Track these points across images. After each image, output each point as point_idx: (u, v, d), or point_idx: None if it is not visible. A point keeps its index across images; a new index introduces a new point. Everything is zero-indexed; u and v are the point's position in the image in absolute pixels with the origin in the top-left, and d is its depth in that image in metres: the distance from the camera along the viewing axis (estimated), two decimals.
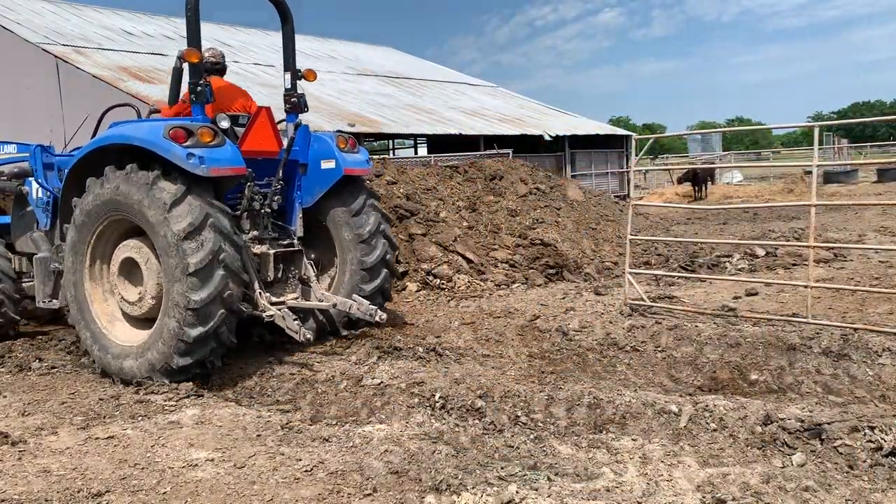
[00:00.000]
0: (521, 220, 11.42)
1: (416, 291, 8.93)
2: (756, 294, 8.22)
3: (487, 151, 19.41)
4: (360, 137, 17.53)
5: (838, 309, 7.20)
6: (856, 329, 5.89)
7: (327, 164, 6.55)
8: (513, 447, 4.18)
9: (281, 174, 6.34)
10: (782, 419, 4.17)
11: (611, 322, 6.86)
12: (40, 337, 7.51)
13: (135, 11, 27.03)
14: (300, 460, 3.89)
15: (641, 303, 7.39)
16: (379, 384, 5.33)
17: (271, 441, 4.25)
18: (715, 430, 4.25)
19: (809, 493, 3.41)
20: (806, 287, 6.75)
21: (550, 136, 24.45)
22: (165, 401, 5.14)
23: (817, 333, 5.80)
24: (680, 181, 28.26)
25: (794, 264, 10.13)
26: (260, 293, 5.95)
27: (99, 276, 5.97)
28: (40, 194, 6.77)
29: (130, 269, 5.78)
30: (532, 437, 4.35)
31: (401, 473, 3.69)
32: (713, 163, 31.69)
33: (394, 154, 31.24)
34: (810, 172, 7.99)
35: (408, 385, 5.22)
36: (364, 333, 6.85)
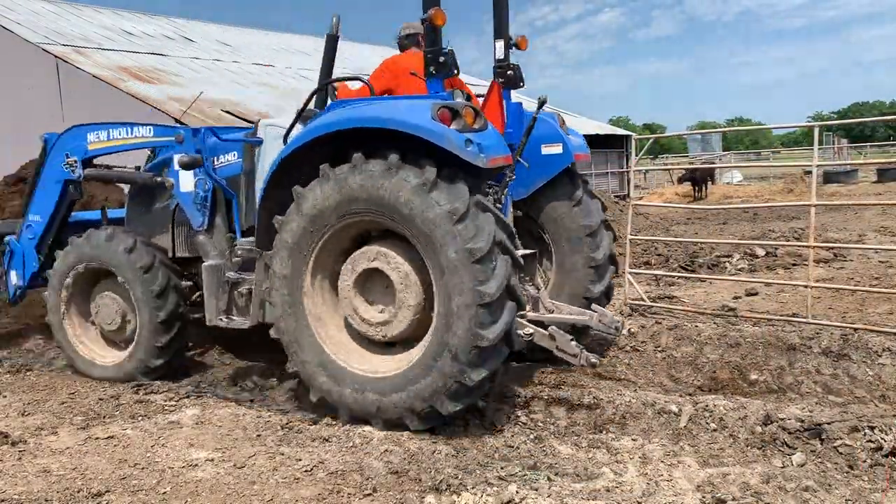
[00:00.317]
0: None
1: None
2: (756, 294, 8.22)
3: None
4: None
5: (838, 309, 7.19)
6: (856, 329, 5.89)
7: (551, 149, 5.42)
8: (513, 447, 4.18)
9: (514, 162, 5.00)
10: (782, 419, 4.17)
11: None
12: (40, 337, 7.50)
13: (135, 11, 27.04)
14: (300, 460, 3.89)
15: (641, 303, 7.39)
16: None
17: (271, 441, 4.25)
18: (715, 430, 4.25)
19: (809, 493, 3.41)
20: (806, 287, 6.75)
21: None
22: (165, 401, 5.14)
23: (817, 333, 5.79)
24: (680, 181, 28.36)
25: (794, 264, 10.13)
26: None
27: (319, 291, 4.63)
28: (195, 187, 5.50)
29: (366, 284, 4.49)
30: (532, 437, 4.35)
31: (401, 473, 3.69)
32: (713, 163, 31.69)
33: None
34: (810, 172, 8.00)
35: None
36: None
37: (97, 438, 4.37)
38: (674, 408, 4.52)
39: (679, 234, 14.25)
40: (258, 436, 4.34)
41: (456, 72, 4.78)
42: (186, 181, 5.55)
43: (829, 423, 4.06)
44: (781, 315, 6.81)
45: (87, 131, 6.00)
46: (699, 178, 26.28)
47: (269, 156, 5.04)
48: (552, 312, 5.24)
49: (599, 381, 5.42)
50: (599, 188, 22.32)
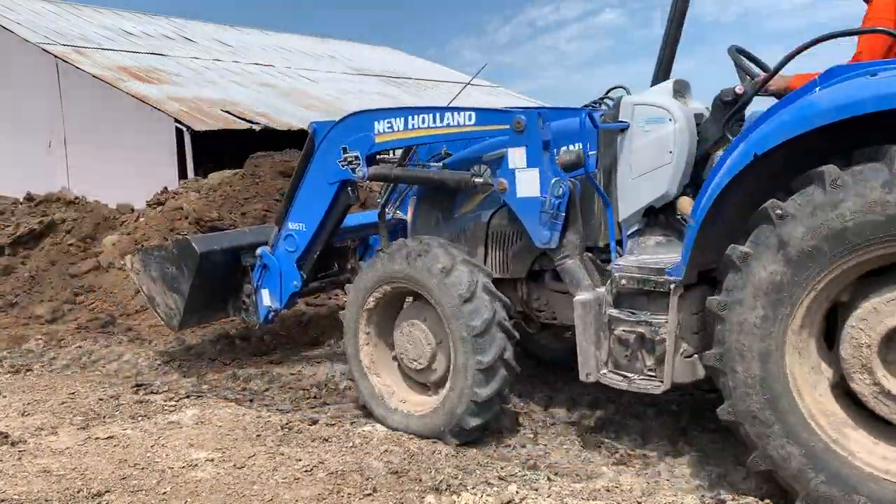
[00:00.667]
0: None
1: None
2: None
3: None
4: None
5: None
6: None
7: None
8: (513, 447, 4.19)
9: None
10: None
11: None
12: (40, 338, 7.51)
13: (135, 11, 27.06)
14: (300, 460, 3.89)
15: None
16: None
17: (271, 441, 4.24)
18: (715, 429, 4.25)
19: None
20: None
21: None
22: (165, 401, 5.14)
23: None
24: None
25: None
26: None
27: (806, 354, 3.14)
28: (542, 191, 4.00)
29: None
30: (532, 437, 4.35)
31: (401, 473, 3.69)
32: None
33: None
34: None
35: None
36: None
37: (97, 438, 4.36)
38: (674, 407, 4.52)
39: None
40: (258, 436, 4.34)
41: None
42: (528, 183, 4.05)
43: None
44: None
45: (372, 119, 4.67)
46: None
47: (638, 145, 3.90)
48: None
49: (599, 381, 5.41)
50: None
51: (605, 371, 3.82)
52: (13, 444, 4.27)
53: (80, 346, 6.93)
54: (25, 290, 9.00)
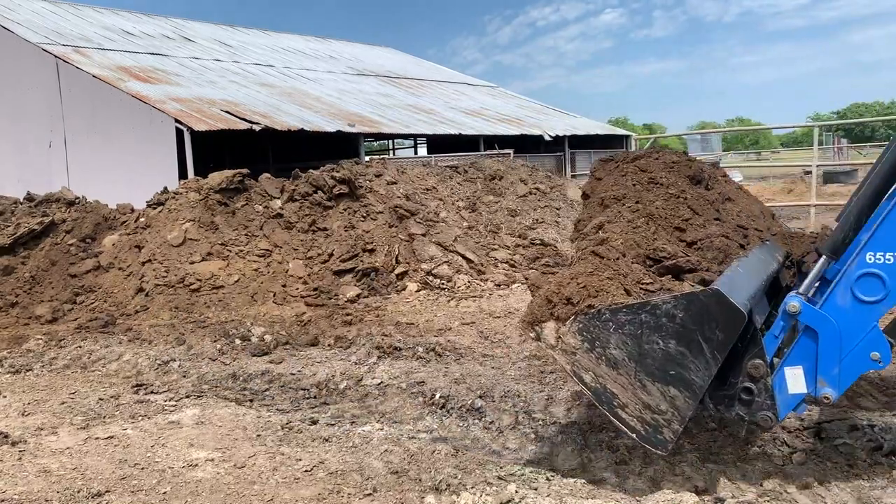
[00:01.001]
0: (521, 220, 11.43)
1: (416, 291, 8.93)
2: None
3: (488, 151, 19.42)
4: (359, 137, 17.55)
5: None
6: None
7: None
8: (513, 447, 4.19)
9: None
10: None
11: None
12: (40, 338, 7.51)
13: (135, 11, 27.06)
14: (300, 460, 3.89)
15: None
16: (379, 384, 5.34)
17: (271, 441, 4.25)
18: (714, 429, 4.25)
19: (809, 491, 3.41)
20: None
21: (550, 137, 24.45)
22: (165, 401, 5.14)
23: None
24: None
25: None
26: None
27: None
28: None
29: None
30: (532, 436, 4.36)
31: (401, 473, 3.69)
32: (713, 163, 32.22)
33: (394, 154, 31.26)
34: (810, 172, 7.99)
35: (408, 385, 5.22)
36: (364, 333, 6.85)
37: (97, 438, 4.36)
38: None
39: None
40: (258, 436, 4.34)
41: None
42: None
43: (828, 422, 4.06)
44: None
45: None
46: None
47: None
48: None
49: None
50: None
51: None
52: (13, 444, 4.27)
53: (80, 346, 6.94)
54: (25, 290, 9.00)
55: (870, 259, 3.21)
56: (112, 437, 4.39)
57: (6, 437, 4.33)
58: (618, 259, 3.44)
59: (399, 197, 10.67)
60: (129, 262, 9.24)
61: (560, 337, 3.30)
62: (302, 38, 30.92)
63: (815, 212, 11.49)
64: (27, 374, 6.19)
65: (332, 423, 4.55)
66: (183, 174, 12.96)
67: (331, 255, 9.43)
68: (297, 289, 8.72)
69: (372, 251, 9.54)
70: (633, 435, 3.21)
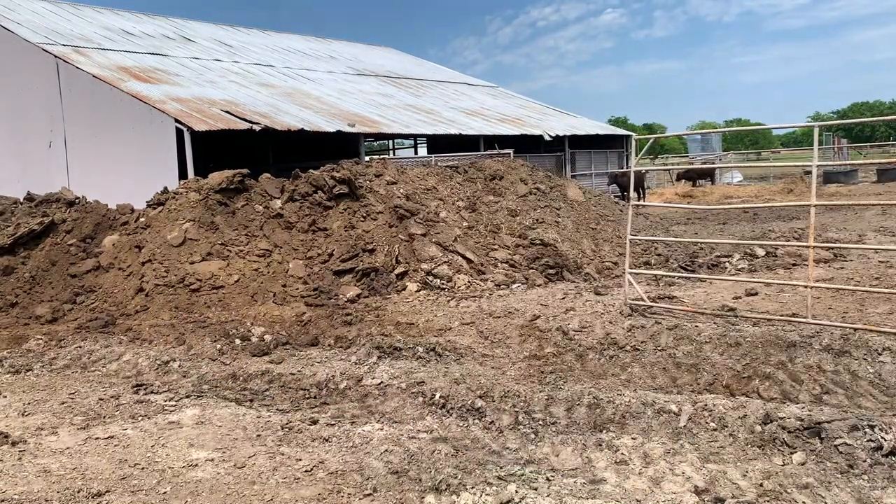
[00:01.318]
0: (521, 220, 11.42)
1: (416, 291, 8.93)
2: (756, 294, 8.21)
3: (489, 151, 19.42)
4: (360, 137, 17.54)
5: (838, 309, 7.19)
6: (855, 329, 5.89)
7: None
8: (513, 447, 4.18)
9: None
10: (782, 418, 4.17)
11: (611, 322, 6.86)
12: (40, 338, 7.50)
13: (135, 11, 27.04)
14: (300, 460, 3.89)
15: (641, 303, 7.39)
16: (379, 384, 5.33)
17: (271, 441, 4.24)
18: (715, 429, 4.25)
19: (809, 492, 3.41)
20: (806, 287, 6.74)
21: (550, 137, 24.46)
22: (165, 401, 5.13)
23: (817, 333, 5.80)
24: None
25: (794, 264, 10.13)
26: None
27: None
28: None
29: None
30: (532, 436, 4.35)
31: (401, 473, 3.69)
32: (713, 163, 32.67)
33: (394, 154, 31.27)
34: (810, 172, 7.98)
35: (408, 385, 5.22)
36: (364, 333, 6.84)
37: (97, 438, 4.36)
38: (673, 407, 4.52)
39: (679, 234, 14.25)
40: (258, 436, 4.34)
41: None
42: None
43: (828, 422, 4.06)
44: (781, 315, 6.81)
45: None
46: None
47: None
48: None
49: (599, 381, 5.42)
50: (599, 188, 22.35)
51: None
52: (13, 444, 4.27)
53: (80, 346, 6.94)
54: (25, 290, 9.00)
55: None
56: (112, 437, 4.38)
57: (6, 437, 4.33)
58: None
59: (399, 197, 10.67)
60: (129, 262, 9.24)
61: None
62: (302, 38, 30.92)
63: (816, 212, 11.48)
64: (27, 374, 6.19)
65: (332, 423, 4.55)
66: (183, 174, 12.96)
67: (331, 255, 9.43)
68: (297, 289, 8.72)
69: (372, 251, 9.54)
70: None
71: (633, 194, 9.41)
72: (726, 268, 10.21)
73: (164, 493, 3.58)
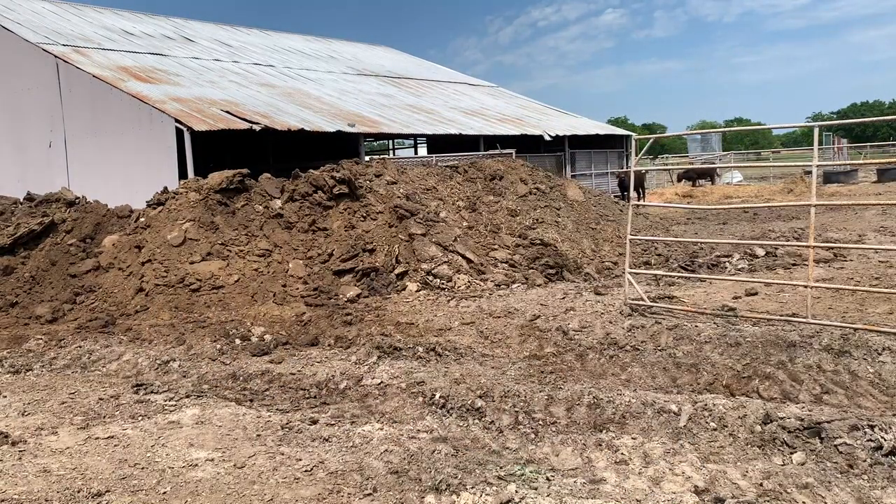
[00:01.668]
0: (521, 220, 11.42)
1: (416, 291, 8.93)
2: (756, 294, 8.21)
3: (490, 151, 19.42)
4: (360, 137, 17.54)
5: (838, 309, 7.19)
6: (855, 329, 5.89)
7: None
8: (513, 447, 4.18)
9: None
10: (782, 418, 4.17)
11: (611, 322, 6.86)
12: (40, 338, 7.50)
13: (135, 11, 27.04)
14: (300, 460, 3.89)
15: (641, 303, 7.39)
16: (379, 384, 5.33)
17: (271, 441, 4.24)
18: (715, 429, 4.25)
19: (809, 492, 3.41)
20: (806, 287, 6.74)
21: (551, 136, 24.47)
22: (165, 401, 5.13)
23: (817, 333, 5.80)
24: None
25: (793, 264, 10.13)
26: None
27: None
28: None
29: None
30: (532, 436, 4.35)
31: (401, 473, 3.69)
32: (713, 163, 32.84)
33: (394, 154, 31.28)
34: (810, 172, 7.99)
35: (408, 385, 5.22)
36: (364, 333, 6.84)
37: (97, 438, 4.36)
38: (673, 407, 4.52)
39: (679, 234, 14.25)
40: (258, 436, 4.34)
41: None
42: None
43: (828, 422, 4.06)
44: (781, 315, 6.81)
45: None
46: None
47: None
48: None
49: (599, 381, 5.42)
50: (599, 188, 22.35)
51: None
52: (13, 443, 4.27)
53: (80, 346, 6.94)
54: (25, 290, 9.00)
55: None
56: (112, 436, 4.38)
57: (6, 437, 4.33)
58: None
59: (399, 197, 10.67)
60: (128, 262, 9.24)
61: None
62: (302, 38, 30.92)
63: (816, 212, 11.43)
64: (27, 374, 6.19)
65: (332, 422, 4.55)
66: (183, 174, 12.96)
67: (331, 255, 9.43)
68: (297, 289, 8.72)
69: (372, 251, 9.54)
70: None
71: (633, 194, 9.41)
72: (726, 268, 10.21)
73: (164, 492, 3.58)
